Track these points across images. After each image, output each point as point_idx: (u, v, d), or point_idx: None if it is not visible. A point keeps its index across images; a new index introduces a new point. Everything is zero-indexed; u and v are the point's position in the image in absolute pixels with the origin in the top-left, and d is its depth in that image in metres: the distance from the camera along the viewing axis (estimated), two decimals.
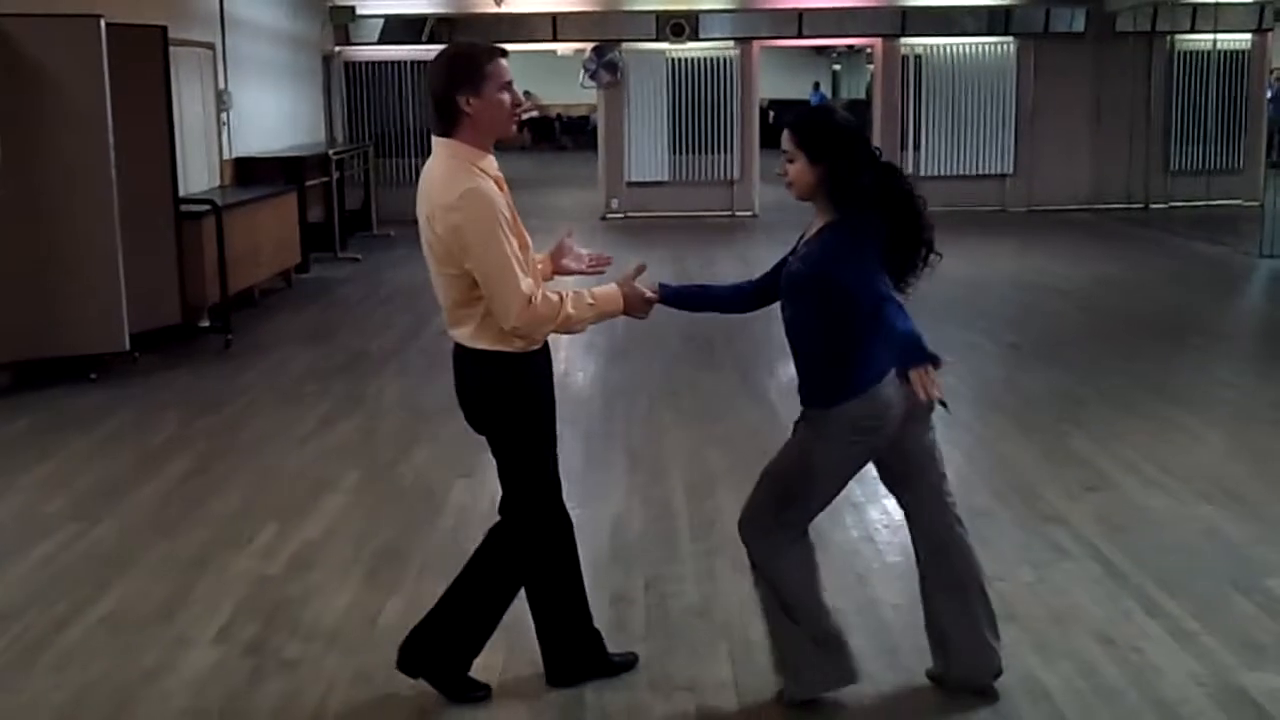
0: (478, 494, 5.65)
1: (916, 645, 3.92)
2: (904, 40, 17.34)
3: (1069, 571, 4.75)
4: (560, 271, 3.88)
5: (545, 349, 3.64)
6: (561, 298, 3.46)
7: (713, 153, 17.26)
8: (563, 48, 19.39)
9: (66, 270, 7.76)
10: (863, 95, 26.47)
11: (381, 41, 16.98)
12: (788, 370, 7.66)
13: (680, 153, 17.28)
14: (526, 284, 3.39)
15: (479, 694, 3.79)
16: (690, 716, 3.70)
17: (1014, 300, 11.20)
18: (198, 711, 3.77)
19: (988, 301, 10.87)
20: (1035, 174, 17.33)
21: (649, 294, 3.68)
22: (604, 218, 16.89)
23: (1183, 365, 8.42)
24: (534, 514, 3.71)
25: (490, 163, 3.50)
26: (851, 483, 5.60)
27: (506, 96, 3.46)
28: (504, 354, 3.50)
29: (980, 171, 17.49)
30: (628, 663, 3.94)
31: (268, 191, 11.29)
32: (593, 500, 5.52)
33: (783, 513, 3.64)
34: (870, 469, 3.73)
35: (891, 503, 5.43)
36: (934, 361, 3.10)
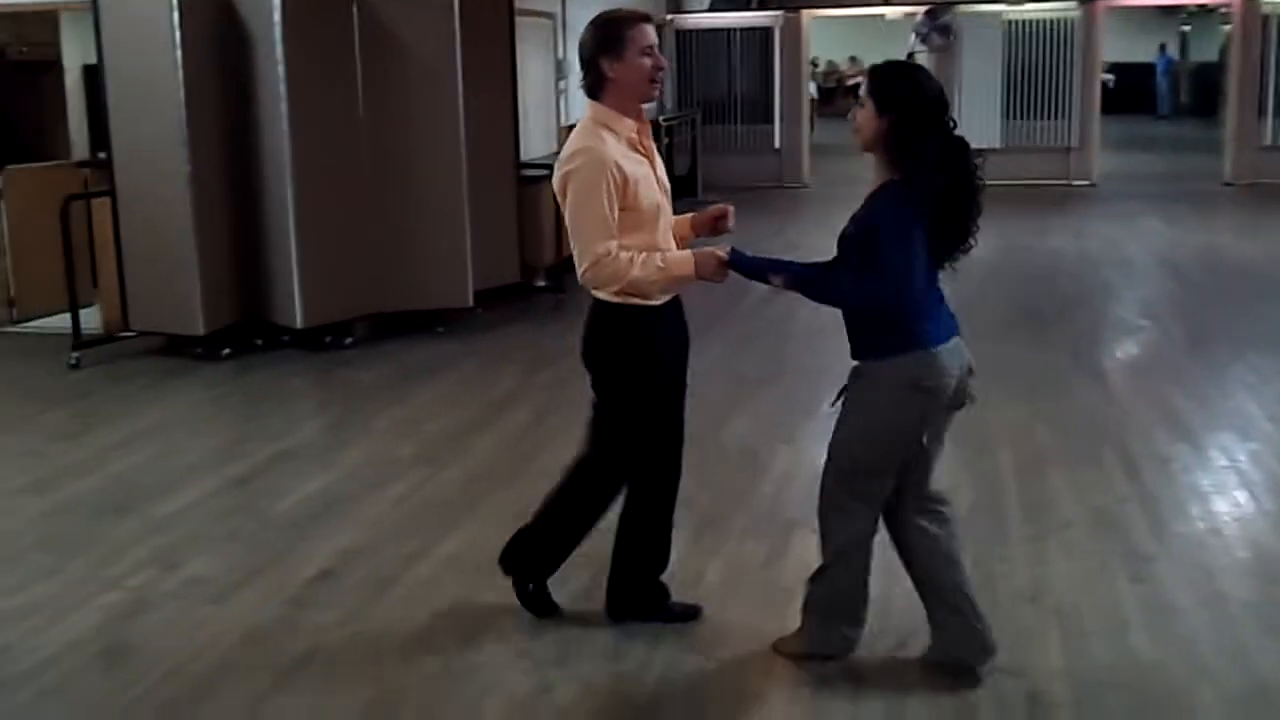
0: (800, 459, 5.68)
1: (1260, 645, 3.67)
2: None
3: None
4: (699, 233, 3.93)
5: (670, 308, 3.76)
6: (632, 260, 3.58)
7: (1050, 118, 16.51)
8: (892, 11, 18.99)
9: (418, 230, 8.24)
10: (1215, 58, 24.70)
11: (712, 9, 17.15)
12: (1127, 349, 7.29)
13: (1014, 118, 16.64)
14: (602, 244, 3.56)
15: (547, 610, 4.09)
16: (1019, 702, 3.59)
17: None
18: (535, 648, 3.95)
19: None
20: None
21: (720, 254, 3.65)
22: None
23: None
24: (622, 461, 3.88)
25: (628, 125, 3.66)
26: (1201, 473, 5.43)
27: (647, 61, 3.62)
28: (621, 306, 3.68)
29: None
30: (689, 614, 4.08)
31: None
32: None
33: (855, 485, 3.58)
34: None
35: (1243, 494, 5.17)
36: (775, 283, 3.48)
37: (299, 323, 7.85)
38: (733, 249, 3.70)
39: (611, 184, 3.56)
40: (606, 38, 3.63)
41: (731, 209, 3.85)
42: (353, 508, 5.27)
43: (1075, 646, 3.88)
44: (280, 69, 7.56)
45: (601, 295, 3.71)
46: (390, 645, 4.02)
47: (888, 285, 3.35)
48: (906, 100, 3.39)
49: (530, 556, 4.11)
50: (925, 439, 3.53)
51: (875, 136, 3.42)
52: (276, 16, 7.51)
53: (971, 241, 3.49)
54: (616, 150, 3.60)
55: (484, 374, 7.55)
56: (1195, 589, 4.27)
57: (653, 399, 3.82)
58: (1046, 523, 4.89)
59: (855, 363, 3.58)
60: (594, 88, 3.68)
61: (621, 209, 3.60)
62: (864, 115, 3.44)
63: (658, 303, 3.72)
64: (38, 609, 4.34)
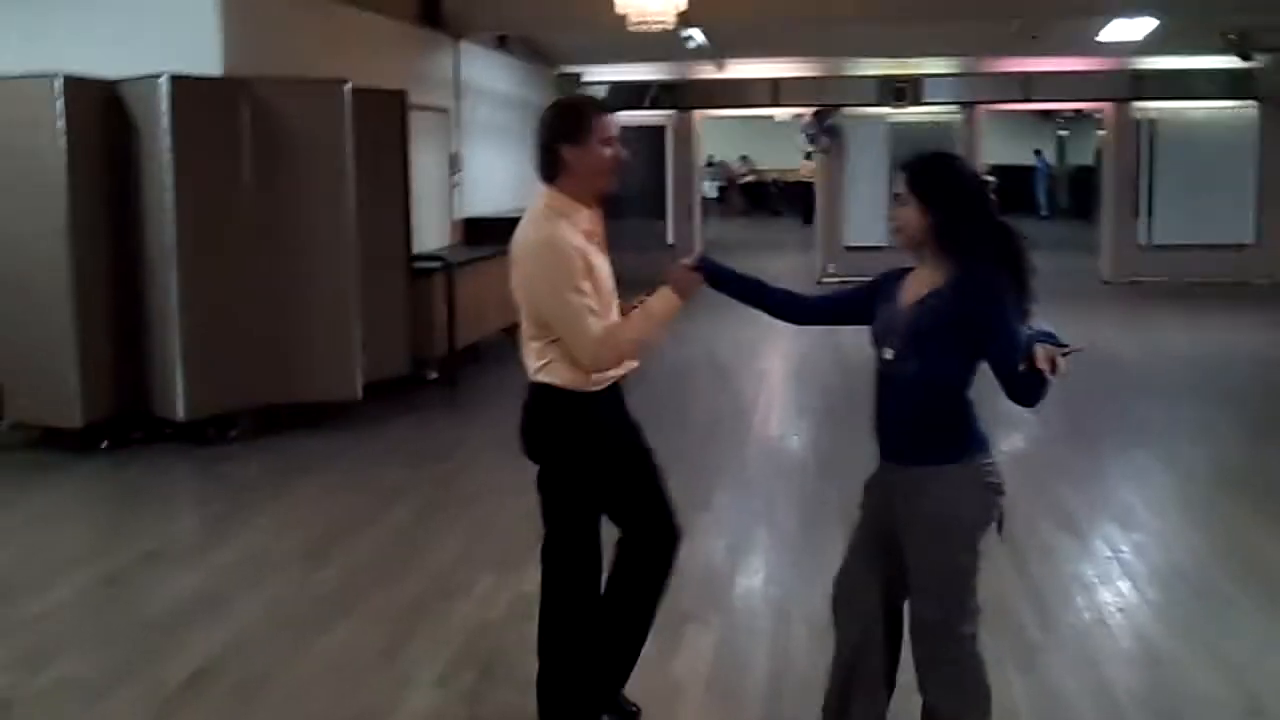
0: (691, 552, 5.62)
1: None
2: (1137, 104, 16.75)
3: None
4: (686, 296, 3.70)
5: (612, 391, 3.64)
6: (620, 329, 3.51)
7: (889, 220, 16.93)
8: (780, 113, 19.49)
9: (306, 321, 8.13)
10: (1089, 161, 25.69)
11: None
12: (1012, 441, 7.31)
13: None
14: (597, 326, 3.45)
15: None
16: None
17: (1256, 377, 10.60)
18: None
19: (1227, 378, 10.32)
20: (1278, 244, 16.41)
21: (686, 264, 3.59)
22: (820, 281, 16.80)
23: None
24: (569, 552, 3.69)
25: (584, 215, 3.56)
26: (1084, 563, 5.50)
27: (608, 150, 3.53)
28: (567, 391, 3.54)
29: (1218, 241, 16.65)
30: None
31: (495, 250, 11.61)
32: (808, 565, 5.43)
33: (965, 605, 3.30)
34: None
35: (1126, 585, 5.24)
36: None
37: (181, 415, 7.65)
38: (702, 256, 3.61)
39: (577, 271, 3.46)
40: (567, 123, 3.54)
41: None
42: (228, 606, 5.09)
43: None
44: (168, 159, 7.46)
45: (543, 379, 3.57)
46: None
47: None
48: (951, 193, 3.26)
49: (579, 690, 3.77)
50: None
51: (920, 235, 3.26)
52: (164, 106, 7.41)
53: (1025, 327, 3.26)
54: (575, 238, 3.50)
55: (369, 469, 7.41)
56: (1080, 676, 4.29)
57: (615, 476, 3.68)
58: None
59: (900, 468, 3.31)
60: (550, 173, 3.56)
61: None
62: (907, 214, 3.27)
63: (596, 389, 3.58)
64: None
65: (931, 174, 3.31)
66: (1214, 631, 4.76)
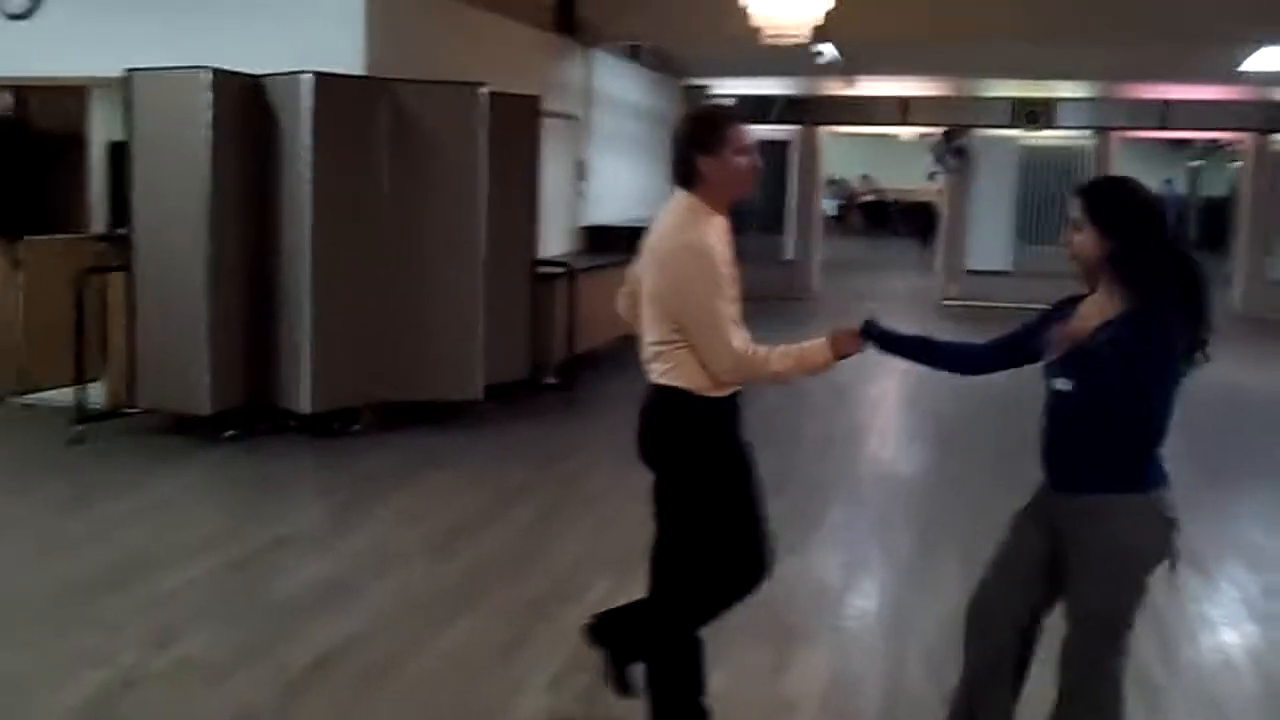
0: (805, 569, 5.62)
1: None
2: (1277, 137, 16.27)
3: None
4: (840, 356, 3.62)
5: (734, 399, 3.62)
6: (769, 356, 3.49)
7: (1060, 244, 16.63)
8: (905, 132, 19.31)
9: (432, 320, 8.27)
10: (1222, 193, 24.99)
11: None
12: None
13: (1026, 243, 16.80)
14: (738, 338, 3.46)
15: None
16: None
17: None
18: None
19: None
20: None
21: (853, 327, 3.55)
22: (942, 304, 16.59)
23: None
24: (692, 570, 3.65)
25: (719, 223, 3.56)
26: (1210, 603, 5.36)
27: (743, 160, 3.54)
28: (691, 395, 3.53)
29: None
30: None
31: (618, 258, 11.68)
32: (922, 589, 5.39)
33: (1121, 639, 3.22)
34: None
35: (1253, 627, 5.09)
36: None
37: (307, 407, 7.83)
38: (868, 320, 3.57)
39: (721, 278, 3.49)
40: (703, 133, 3.58)
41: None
42: (353, 595, 5.20)
43: None
44: (308, 155, 7.66)
45: (666, 382, 3.58)
46: None
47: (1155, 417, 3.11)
48: (1132, 219, 3.16)
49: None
50: None
51: (1097, 261, 3.17)
52: (307, 102, 7.62)
53: (1204, 357, 3.18)
54: (719, 244, 3.53)
55: (491, 468, 7.50)
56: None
57: (723, 496, 3.68)
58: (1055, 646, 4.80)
59: (1071, 497, 3.24)
60: (685, 181, 3.59)
61: None
62: (1084, 240, 3.18)
63: (721, 394, 3.59)
64: (27, 680, 4.27)
65: (1111, 199, 3.22)
66: None
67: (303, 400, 7.84)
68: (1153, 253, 3.13)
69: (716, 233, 3.55)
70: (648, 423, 3.68)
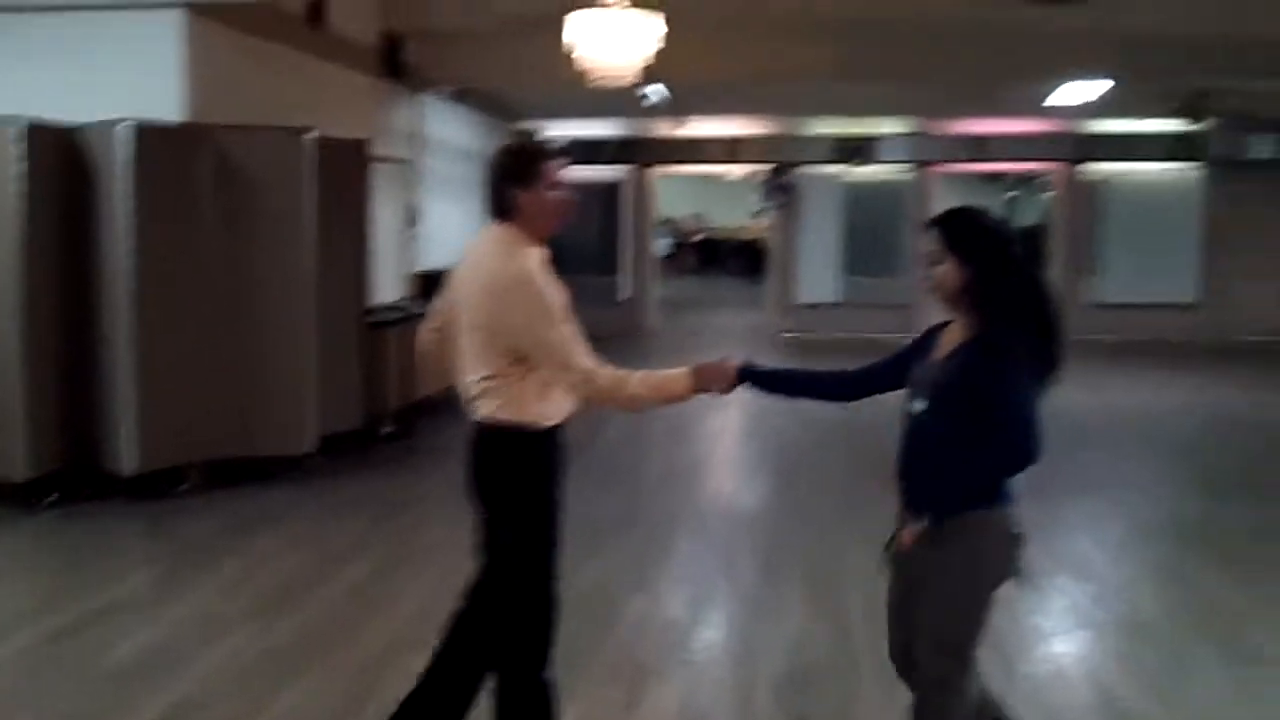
0: (653, 606, 5.61)
1: None
2: (1086, 166, 17.08)
3: None
4: (699, 389, 3.69)
5: (558, 431, 3.65)
6: (627, 377, 3.54)
7: (886, 276, 17.17)
8: (735, 171, 19.68)
9: (260, 373, 8.04)
10: (1037, 222, 26.08)
11: None
12: None
13: (853, 276, 17.24)
14: (586, 359, 3.51)
15: None
16: None
17: (1205, 432, 10.75)
18: None
19: (1177, 433, 10.47)
20: (1224, 303, 16.75)
21: (728, 367, 3.63)
22: (776, 337, 16.88)
23: None
24: (518, 597, 3.67)
25: (538, 253, 3.59)
26: (1042, 614, 5.51)
27: (557, 194, 3.60)
28: (521, 429, 3.55)
29: (1165, 300, 16.99)
30: None
31: None
32: (769, 618, 5.42)
33: (965, 658, 3.30)
34: None
35: (1085, 635, 5.25)
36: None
37: (131, 469, 7.53)
38: (744, 363, 3.63)
39: (557, 303, 3.52)
40: (518, 167, 3.60)
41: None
42: (182, 663, 4.98)
43: None
44: (127, 206, 7.39)
45: (494, 418, 3.56)
46: None
47: (1023, 443, 3.16)
48: (989, 247, 3.27)
49: None
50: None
51: (959, 290, 3.27)
52: (124, 153, 7.36)
53: (1058, 375, 3.31)
54: (543, 272, 3.54)
55: (324, 524, 7.31)
56: None
57: (544, 528, 3.67)
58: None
59: (924, 517, 3.28)
60: (501, 213, 3.61)
61: None
62: (945, 271, 3.28)
63: (551, 424, 3.61)
64: None
65: (967, 229, 3.33)
66: (1172, 682, 4.79)
67: (126, 461, 7.53)
68: (1009, 279, 3.25)
69: (537, 263, 3.56)
70: (478, 460, 3.65)
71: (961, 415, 3.23)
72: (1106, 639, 5.30)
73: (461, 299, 3.63)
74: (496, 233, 3.61)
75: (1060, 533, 7.03)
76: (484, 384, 3.56)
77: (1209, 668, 4.98)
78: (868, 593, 5.74)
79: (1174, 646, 5.20)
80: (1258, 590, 5.99)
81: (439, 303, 3.85)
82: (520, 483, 3.61)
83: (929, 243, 3.33)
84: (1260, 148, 16.61)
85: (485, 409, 3.58)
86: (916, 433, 3.36)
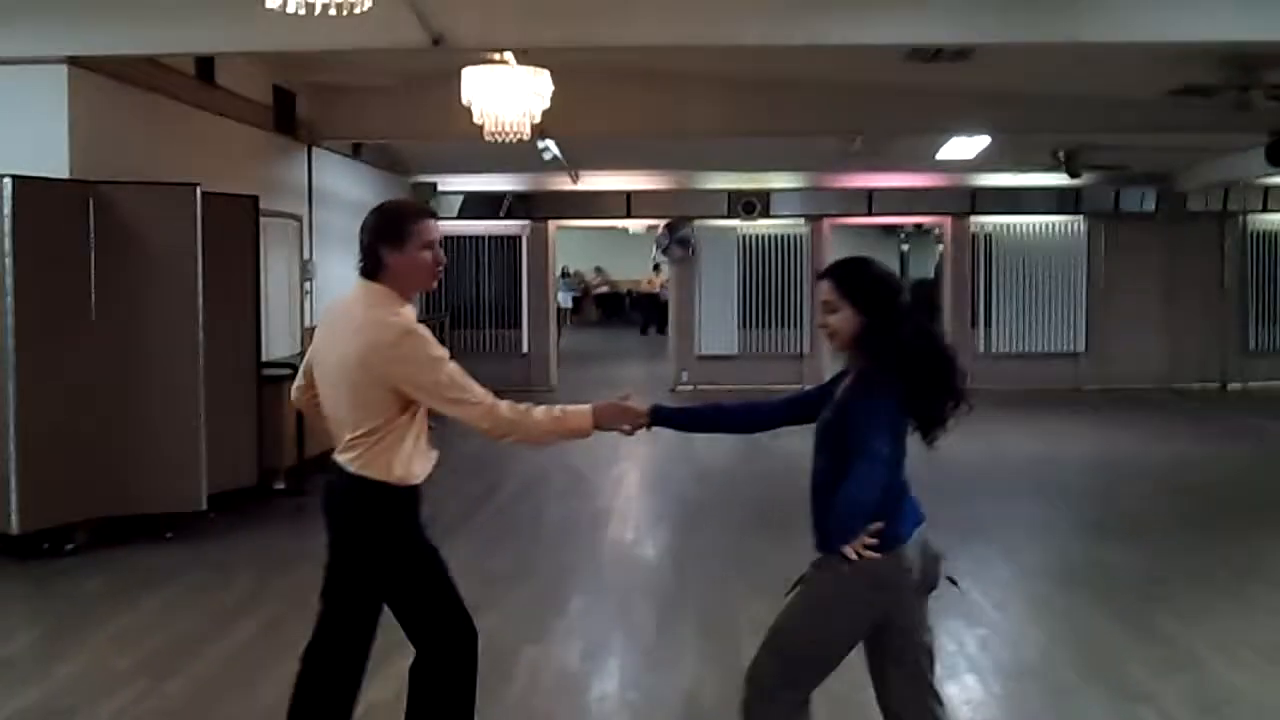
0: (547, 658, 5.59)
1: None
2: (973, 219, 17.54)
3: None
4: (602, 426, 3.78)
5: (417, 490, 3.71)
6: (530, 409, 3.62)
7: (782, 327, 17.40)
8: (634, 224, 19.82)
9: (148, 429, 7.91)
10: (930, 274, 26.66)
11: (460, 216, 17.46)
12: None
13: (750, 327, 17.45)
14: (482, 392, 3.57)
15: None
16: None
17: (1092, 478, 11.05)
18: None
19: (1065, 479, 10.74)
20: (1108, 352, 17.24)
21: (637, 409, 3.72)
22: (674, 389, 16.99)
23: (1268, 546, 8.19)
24: (340, 651, 3.84)
25: (409, 310, 3.67)
26: None
27: (428, 255, 3.66)
28: (385, 485, 3.60)
29: (1052, 350, 17.47)
30: None
31: None
32: (664, 668, 5.44)
33: (791, 673, 3.45)
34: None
35: (972, 679, 5.35)
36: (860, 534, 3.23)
37: (14, 528, 7.33)
38: (655, 405, 3.71)
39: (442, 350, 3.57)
40: (389, 227, 3.63)
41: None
42: None
43: None
44: (7, 262, 7.25)
45: (360, 472, 3.58)
46: None
47: (877, 477, 3.27)
48: (883, 295, 3.39)
49: None
50: (899, 631, 3.43)
51: (854, 337, 3.39)
52: (5, 209, 7.23)
53: (966, 407, 3.45)
54: (417, 323, 3.60)
55: (215, 581, 7.18)
56: None
57: (416, 574, 3.73)
58: None
59: (818, 554, 3.44)
60: (372, 271, 3.64)
61: None
62: (840, 319, 3.40)
63: (411, 483, 3.65)
64: None
65: (859, 278, 3.45)
66: None
67: (10, 520, 7.33)
68: (901, 327, 3.37)
69: (413, 317, 3.63)
70: (339, 512, 3.69)
71: (840, 452, 3.34)
72: (994, 682, 5.40)
73: (332, 357, 3.65)
74: (367, 290, 3.65)
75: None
76: (354, 439, 3.59)
77: (1093, 707, 5.09)
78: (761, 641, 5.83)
79: (1058, 687, 5.32)
80: (1141, 628, 6.15)
81: (306, 360, 3.86)
82: (379, 538, 3.65)
83: (824, 292, 3.45)
84: (1133, 200, 17.24)
85: (352, 463, 3.61)
86: (815, 478, 3.49)
